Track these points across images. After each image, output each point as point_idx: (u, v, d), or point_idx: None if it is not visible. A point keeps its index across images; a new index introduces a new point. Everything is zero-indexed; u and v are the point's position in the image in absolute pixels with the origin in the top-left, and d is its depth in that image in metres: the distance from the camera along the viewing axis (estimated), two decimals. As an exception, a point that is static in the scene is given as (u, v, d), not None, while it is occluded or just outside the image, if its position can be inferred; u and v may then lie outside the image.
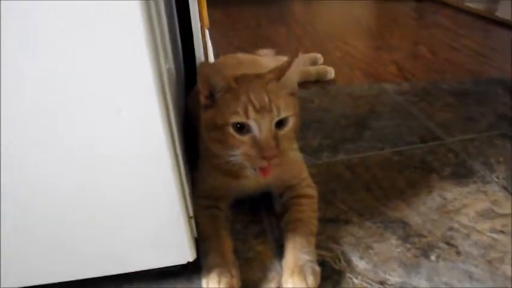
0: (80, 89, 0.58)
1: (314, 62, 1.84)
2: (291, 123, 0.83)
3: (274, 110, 0.80)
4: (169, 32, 1.09)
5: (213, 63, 0.79)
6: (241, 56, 1.52)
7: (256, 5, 3.25)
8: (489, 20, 2.59)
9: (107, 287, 0.83)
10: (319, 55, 1.85)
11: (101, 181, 0.66)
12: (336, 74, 1.78)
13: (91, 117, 0.61)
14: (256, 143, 0.79)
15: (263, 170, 0.83)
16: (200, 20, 1.69)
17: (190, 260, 0.77)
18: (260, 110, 0.78)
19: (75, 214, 0.69)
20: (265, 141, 0.78)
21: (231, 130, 0.80)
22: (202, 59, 1.68)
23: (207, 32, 2.06)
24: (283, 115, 0.81)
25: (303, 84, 1.69)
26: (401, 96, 1.61)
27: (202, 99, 0.84)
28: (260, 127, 0.79)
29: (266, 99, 0.79)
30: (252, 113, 0.78)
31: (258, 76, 0.86)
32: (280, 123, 0.82)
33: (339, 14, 2.99)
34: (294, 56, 0.87)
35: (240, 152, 0.81)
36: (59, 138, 0.61)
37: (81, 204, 0.68)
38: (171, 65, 1.04)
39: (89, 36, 0.55)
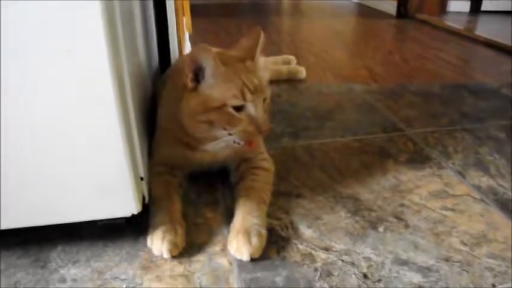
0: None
1: (287, 63, 1.87)
2: (269, 98, 0.91)
3: (263, 90, 0.87)
4: (144, 28, 1.19)
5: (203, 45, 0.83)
6: (214, 49, 1.56)
7: (241, 16, 3.35)
8: (469, 38, 2.65)
9: (54, 243, 0.85)
10: (292, 57, 1.89)
11: (46, 123, 0.68)
12: (308, 76, 1.81)
13: (41, 58, 0.64)
14: (253, 120, 0.85)
15: (250, 142, 0.89)
16: (177, 23, 1.73)
17: (135, 212, 0.78)
18: (254, 92, 0.85)
19: (19, 160, 0.70)
20: (262, 118, 0.86)
21: (231, 110, 0.84)
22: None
23: (186, 34, 2.12)
24: (267, 93, 0.89)
25: (274, 82, 1.72)
26: (369, 94, 1.65)
27: (189, 83, 0.86)
28: (256, 107, 0.85)
29: (256, 80, 0.86)
30: (248, 96, 0.84)
31: (234, 56, 0.91)
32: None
33: (319, 26, 3.06)
34: (256, 34, 0.92)
35: (238, 129, 0.86)
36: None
37: (24, 148, 0.69)
38: (142, 55, 1.10)
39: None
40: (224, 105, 0.84)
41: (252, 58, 0.90)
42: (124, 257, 0.81)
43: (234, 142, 0.88)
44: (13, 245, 0.84)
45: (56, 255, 0.82)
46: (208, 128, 0.87)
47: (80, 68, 0.66)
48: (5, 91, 0.65)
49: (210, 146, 0.94)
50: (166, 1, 1.42)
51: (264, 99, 0.88)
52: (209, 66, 0.84)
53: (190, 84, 0.86)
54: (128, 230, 0.87)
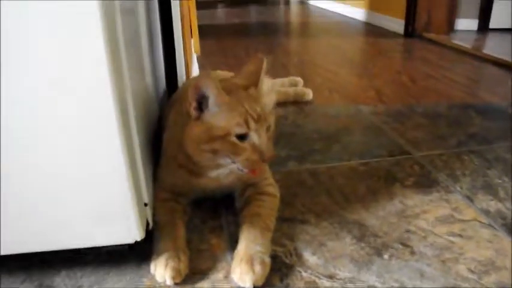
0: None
1: (294, 85, 1.87)
2: (273, 124, 0.91)
3: (267, 118, 0.87)
4: (151, 51, 1.21)
5: (207, 72, 0.84)
6: (220, 72, 1.58)
7: (250, 37, 3.38)
8: (476, 56, 2.64)
9: (58, 267, 0.85)
10: (298, 78, 1.89)
11: (47, 149, 0.69)
12: (315, 97, 1.81)
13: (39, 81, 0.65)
14: (256, 149, 0.85)
15: (253, 170, 0.89)
16: (184, 45, 1.75)
17: (138, 239, 0.78)
18: (258, 120, 0.85)
19: (20, 185, 0.71)
20: (265, 146, 0.86)
21: (235, 139, 0.84)
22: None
23: (194, 56, 2.13)
24: (271, 121, 0.89)
25: (281, 104, 1.73)
26: (376, 116, 1.65)
27: (192, 111, 0.87)
28: (260, 135, 0.85)
29: (259, 109, 0.86)
30: (252, 124, 0.84)
31: (237, 84, 0.91)
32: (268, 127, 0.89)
33: (326, 46, 3.08)
34: (258, 60, 0.92)
35: (242, 158, 0.85)
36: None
37: (25, 174, 0.70)
38: (149, 78, 1.11)
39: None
40: (228, 133, 0.84)
41: (255, 85, 0.91)
42: (127, 283, 0.81)
43: (238, 169, 0.88)
44: (16, 270, 0.84)
45: (60, 280, 0.82)
46: (212, 157, 0.87)
47: (80, 92, 0.66)
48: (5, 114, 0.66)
49: (214, 173, 0.94)
50: (174, 23, 1.44)
51: (268, 127, 0.88)
52: (212, 94, 0.84)
53: (194, 113, 0.86)
54: (131, 256, 0.87)
